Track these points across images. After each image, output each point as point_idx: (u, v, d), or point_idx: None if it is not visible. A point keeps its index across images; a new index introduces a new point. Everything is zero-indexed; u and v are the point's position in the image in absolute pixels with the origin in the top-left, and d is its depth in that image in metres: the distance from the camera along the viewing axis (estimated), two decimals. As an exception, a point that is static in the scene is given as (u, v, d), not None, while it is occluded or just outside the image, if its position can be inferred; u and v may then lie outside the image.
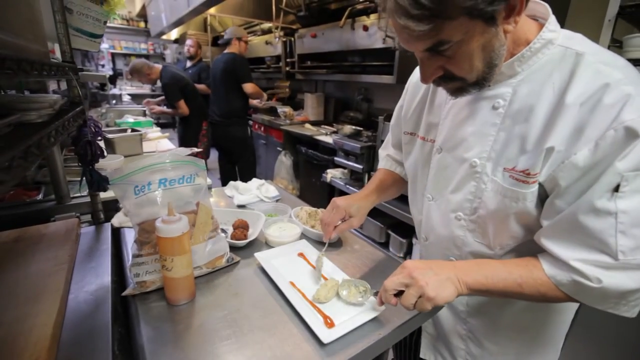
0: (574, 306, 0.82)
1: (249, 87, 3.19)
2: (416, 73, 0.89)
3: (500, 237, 0.71)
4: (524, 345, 0.82)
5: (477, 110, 0.70)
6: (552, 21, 0.62)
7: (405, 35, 0.56)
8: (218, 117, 3.30)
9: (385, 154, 1.08)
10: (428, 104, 0.84)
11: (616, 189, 0.54)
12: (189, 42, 4.19)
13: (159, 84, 3.41)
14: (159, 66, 3.35)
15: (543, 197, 0.63)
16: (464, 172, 0.73)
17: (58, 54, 1.05)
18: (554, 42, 0.62)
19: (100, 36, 1.04)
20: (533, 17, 0.66)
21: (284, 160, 3.50)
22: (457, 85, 0.64)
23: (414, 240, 2.19)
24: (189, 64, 4.25)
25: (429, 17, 0.51)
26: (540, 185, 0.62)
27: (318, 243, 1.05)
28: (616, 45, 1.59)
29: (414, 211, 0.93)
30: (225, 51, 3.23)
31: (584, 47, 0.59)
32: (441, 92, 0.80)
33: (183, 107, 3.40)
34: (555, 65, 0.61)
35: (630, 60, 1.49)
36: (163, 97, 3.65)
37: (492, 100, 0.68)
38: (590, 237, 0.57)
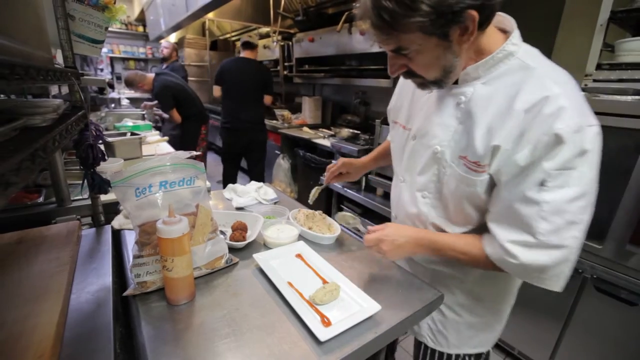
0: (518, 283, 0.95)
1: (269, 99, 3.31)
2: None
3: (458, 216, 0.83)
4: (477, 314, 0.94)
5: (444, 105, 0.80)
6: (515, 35, 0.70)
7: (374, 37, 0.68)
8: (247, 124, 3.21)
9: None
10: (411, 97, 0.94)
11: (542, 183, 0.65)
12: (165, 44, 4.19)
13: None
14: (151, 75, 3.33)
15: (492, 186, 0.74)
16: (428, 157, 0.83)
17: (59, 59, 1.07)
18: (514, 54, 0.70)
19: (102, 42, 1.06)
20: (502, 29, 0.73)
21: (282, 163, 3.51)
22: (420, 80, 0.75)
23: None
24: (164, 65, 4.23)
25: (387, 29, 0.63)
26: (491, 176, 0.72)
27: (315, 245, 1.07)
28: (608, 50, 1.61)
29: (392, 192, 1.06)
30: (247, 56, 3.16)
31: (536, 63, 0.69)
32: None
33: (174, 116, 3.36)
34: (511, 75, 0.70)
35: (622, 64, 1.53)
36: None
37: (457, 97, 0.77)
38: (519, 220, 0.68)
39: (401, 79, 0.98)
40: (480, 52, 0.71)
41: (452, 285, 0.93)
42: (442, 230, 0.86)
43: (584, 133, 0.62)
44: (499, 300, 0.94)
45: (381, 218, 2.29)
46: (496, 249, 0.73)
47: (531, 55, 0.71)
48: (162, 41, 4.38)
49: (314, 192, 1.13)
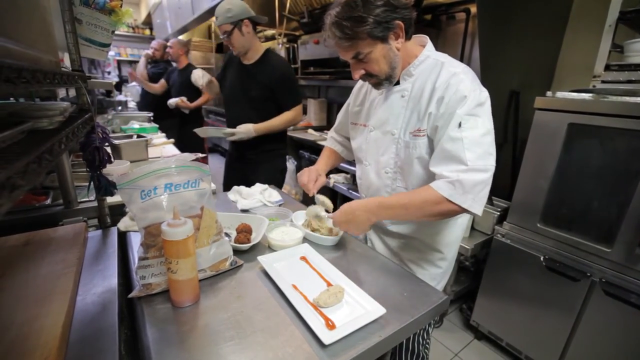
0: (459, 234, 1.23)
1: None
2: (360, 81, 1.26)
3: (410, 179, 1.09)
4: (437, 266, 1.21)
5: (392, 100, 1.09)
6: (429, 47, 1.06)
7: (340, 51, 0.98)
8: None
9: (330, 135, 1.50)
10: (367, 103, 1.22)
11: (460, 125, 0.92)
12: (154, 44, 3.96)
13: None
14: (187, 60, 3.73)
15: (429, 145, 1.02)
16: (387, 141, 1.11)
17: (67, 62, 1.09)
18: (430, 56, 1.04)
19: (108, 45, 1.07)
20: (421, 44, 1.07)
21: (287, 166, 3.51)
22: (375, 80, 1.04)
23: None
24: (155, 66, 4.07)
25: (348, 39, 0.93)
26: (428, 137, 1.01)
27: (320, 247, 1.06)
28: (617, 50, 1.59)
29: (357, 178, 1.31)
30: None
31: (444, 59, 1.03)
32: (372, 93, 1.19)
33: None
34: (432, 69, 1.02)
35: (631, 65, 1.51)
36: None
37: (401, 91, 1.07)
38: (450, 154, 0.93)
39: (354, 90, 1.30)
40: (410, 56, 1.04)
41: (417, 245, 1.20)
42: None
43: (478, 92, 0.94)
44: (448, 249, 1.21)
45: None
46: (442, 182, 0.93)
47: (441, 55, 1.05)
48: (153, 41, 4.09)
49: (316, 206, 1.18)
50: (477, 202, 0.91)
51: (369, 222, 1.01)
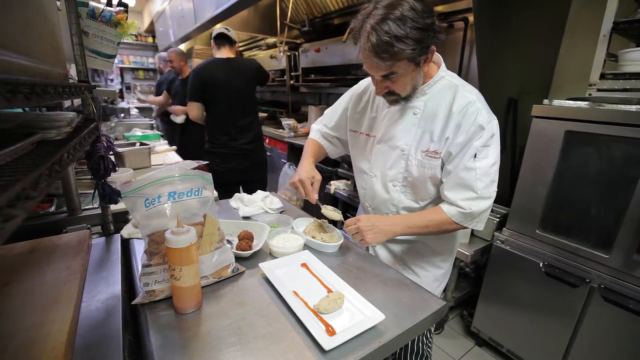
0: (458, 240, 1.29)
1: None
2: (361, 86, 1.27)
3: (422, 194, 1.13)
4: (438, 267, 1.25)
5: (404, 115, 1.10)
6: (443, 67, 1.07)
7: (374, 66, 0.94)
8: (249, 145, 2.56)
9: (317, 128, 1.43)
10: (369, 111, 1.23)
11: (475, 155, 0.99)
12: (166, 54, 3.79)
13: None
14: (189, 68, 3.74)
15: (442, 166, 1.06)
16: (396, 155, 1.12)
17: (73, 72, 1.11)
18: (445, 77, 1.06)
19: (114, 56, 1.10)
20: (436, 63, 1.07)
21: (288, 172, 3.53)
22: (395, 98, 1.04)
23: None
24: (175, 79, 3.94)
25: (388, 60, 0.90)
26: (441, 159, 1.05)
27: (320, 253, 1.08)
28: (612, 60, 1.62)
29: (359, 187, 1.32)
30: (227, 55, 2.48)
31: (458, 82, 1.06)
32: (377, 102, 1.19)
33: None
34: (446, 91, 1.05)
35: (625, 74, 1.53)
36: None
37: (413, 109, 1.08)
38: (464, 182, 1.01)
39: (354, 94, 1.28)
40: (427, 76, 1.05)
41: (421, 248, 1.23)
42: (411, 207, 1.16)
43: (492, 123, 0.99)
44: (449, 251, 1.26)
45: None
46: (452, 208, 1.04)
47: (454, 77, 1.08)
48: (169, 53, 3.84)
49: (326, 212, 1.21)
50: (480, 222, 1.06)
51: (390, 235, 1.06)
